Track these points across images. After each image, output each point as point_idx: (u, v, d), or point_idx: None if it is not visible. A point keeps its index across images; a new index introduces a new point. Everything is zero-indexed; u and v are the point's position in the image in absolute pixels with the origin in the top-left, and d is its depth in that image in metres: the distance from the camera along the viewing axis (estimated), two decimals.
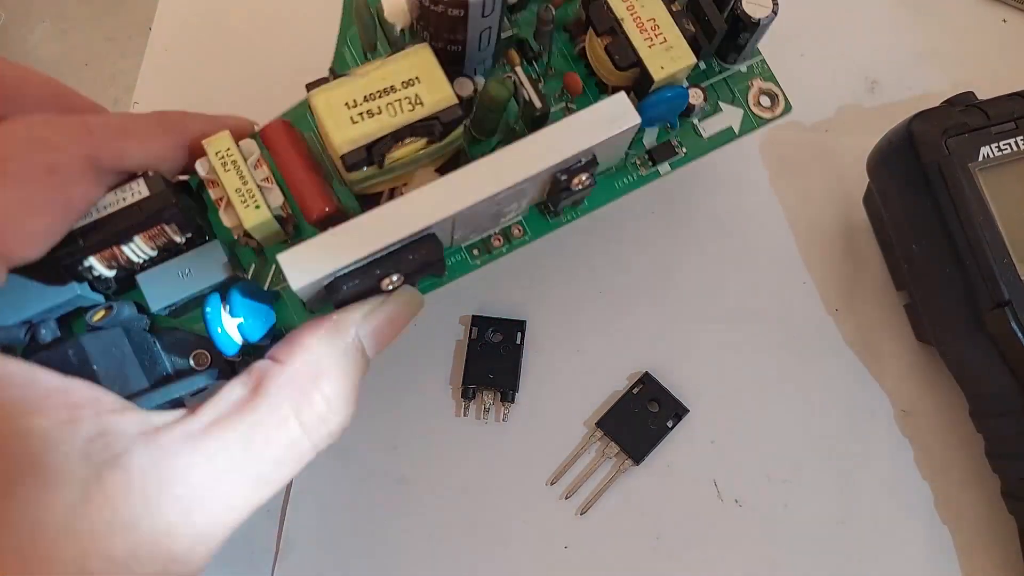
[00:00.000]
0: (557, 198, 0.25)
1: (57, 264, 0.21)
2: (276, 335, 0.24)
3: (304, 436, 0.20)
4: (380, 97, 0.22)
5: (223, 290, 0.22)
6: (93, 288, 0.23)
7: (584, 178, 0.23)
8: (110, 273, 0.22)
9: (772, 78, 0.28)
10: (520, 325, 0.32)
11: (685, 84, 0.26)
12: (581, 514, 0.30)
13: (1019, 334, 0.25)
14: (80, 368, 0.21)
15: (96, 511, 0.17)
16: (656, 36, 0.23)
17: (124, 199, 0.22)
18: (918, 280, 0.29)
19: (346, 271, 0.21)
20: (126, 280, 0.23)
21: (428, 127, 0.22)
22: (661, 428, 0.31)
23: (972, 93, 0.29)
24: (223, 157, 0.22)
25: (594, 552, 0.30)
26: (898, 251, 0.30)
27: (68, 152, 0.20)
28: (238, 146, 0.22)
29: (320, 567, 0.30)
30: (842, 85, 0.35)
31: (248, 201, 0.22)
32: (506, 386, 0.31)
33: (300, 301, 0.24)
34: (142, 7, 0.40)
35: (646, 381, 0.31)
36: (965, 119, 0.27)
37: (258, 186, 0.22)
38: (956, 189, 0.26)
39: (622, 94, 0.22)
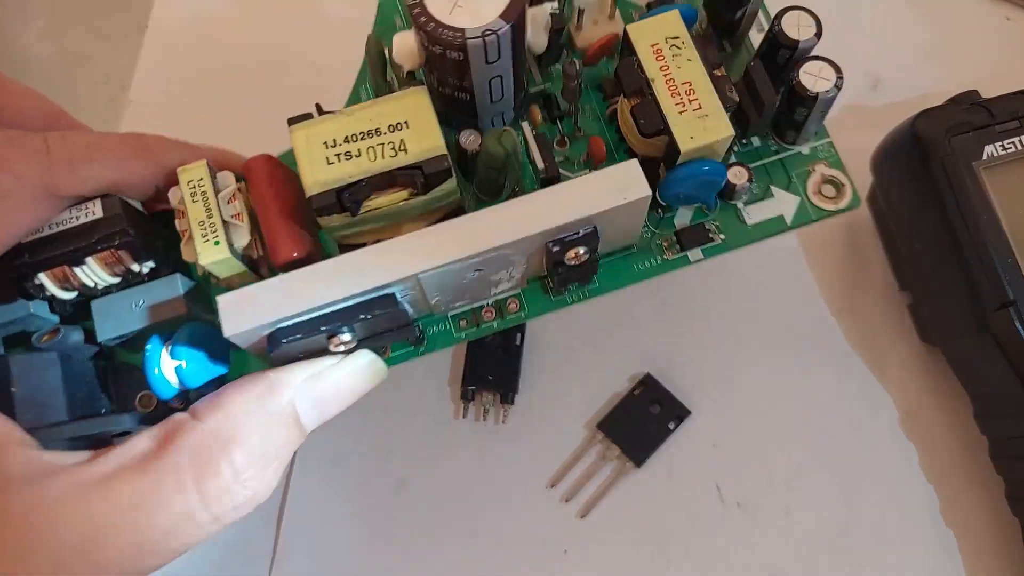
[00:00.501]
0: (556, 273, 0.22)
1: (7, 280, 0.21)
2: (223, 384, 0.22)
3: (202, 507, 0.18)
4: (362, 139, 0.20)
5: (176, 329, 0.21)
6: (52, 310, 0.22)
7: (581, 252, 0.20)
8: (67, 296, 0.21)
9: (839, 164, 0.25)
10: (520, 326, 0.32)
11: (730, 159, 0.23)
12: (582, 517, 0.30)
13: (1023, 335, 0.25)
14: None
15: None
16: (690, 102, 0.20)
17: (77, 218, 0.20)
18: (922, 280, 0.29)
19: (288, 323, 0.19)
20: (83, 306, 0.22)
21: (410, 177, 0.20)
22: (662, 430, 0.30)
23: (976, 92, 0.28)
24: (194, 187, 0.21)
25: (595, 556, 0.30)
26: (902, 251, 0.30)
27: (22, 178, 0.19)
28: (214, 177, 0.21)
29: (317, 571, 0.30)
30: (845, 83, 0.35)
31: (208, 235, 0.20)
32: (506, 388, 0.31)
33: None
34: (137, 6, 0.39)
35: (647, 383, 0.31)
36: (969, 118, 0.27)
37: (224, 221, 0.20)
38: (960, 188, 0.26)
39: (634, 161, 0.20)
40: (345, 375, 0.21)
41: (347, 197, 0.19)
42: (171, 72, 0.35)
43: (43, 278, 0.21)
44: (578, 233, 0.20)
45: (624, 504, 0.30)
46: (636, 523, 0.30)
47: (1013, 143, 0.27)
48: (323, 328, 0.19)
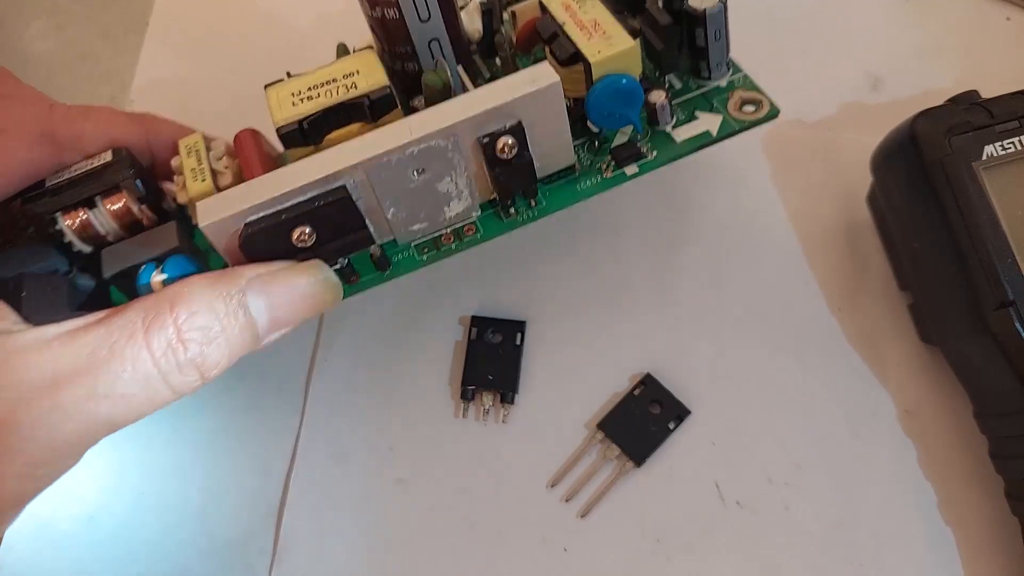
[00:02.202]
0: (496, 177, 0.24)
1: (20, 228, 0.24)
2: None
3: (150, 359, 0.19)
4: (321, 87, 0.24)
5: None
6: (79, 266, 0.25)
7: (510, 143, 0.23)
8: (85, 248, 0.24)
9: (755, 88, 0.27)
10: (520, 326, 0.32)
11: (654, 87, 0.25)
12: (582, 517, 0.30)
13: (1023, 334, 0.25)
14: (11, 292, 0.22)
15: None
16: (596, 30, 0.24)
17: (91, 164, 0.24)
18: (921, 280, 0.29)
19: (255, 216, 0.21)
20: (97, 260, 0.24)
21: (359, 107, 0.23)
22: (662, 430, 0.30)
23: (976, 92, 0.28)
24: (189, 148, 0.24)
25: (595, 555, 0.30)
26: (901, 250, 0.30)
27: (22, 121, 0.22)
28: (208, 143, 0.25)
29: (317, 569, 0.30)
30: (845, 83, 0.35)
31: (198, 177, 0.24)
32: (506, 387, 0.31)
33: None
34: (138, 3, 0.39)
35: (647, 382, 0.31)
36: (969, 118, 0.27)
37: (212, 169, 0.24)
38: (960, 188, 0.26)
39: (545, 62, 0.23)
40: (297, 279, 0.21)
41: (308, 128, 0.23)
42: (172, 70, 0.36)
43: (61, 221, 0.23)
44: (504, 126, 0.23)
45: (624, 503, 0.30)
46: (636, 522, 0.30)
47: (1013, 143, 0.27)
48: (284, 217, 0.21)
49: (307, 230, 0.22)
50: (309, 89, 0.24)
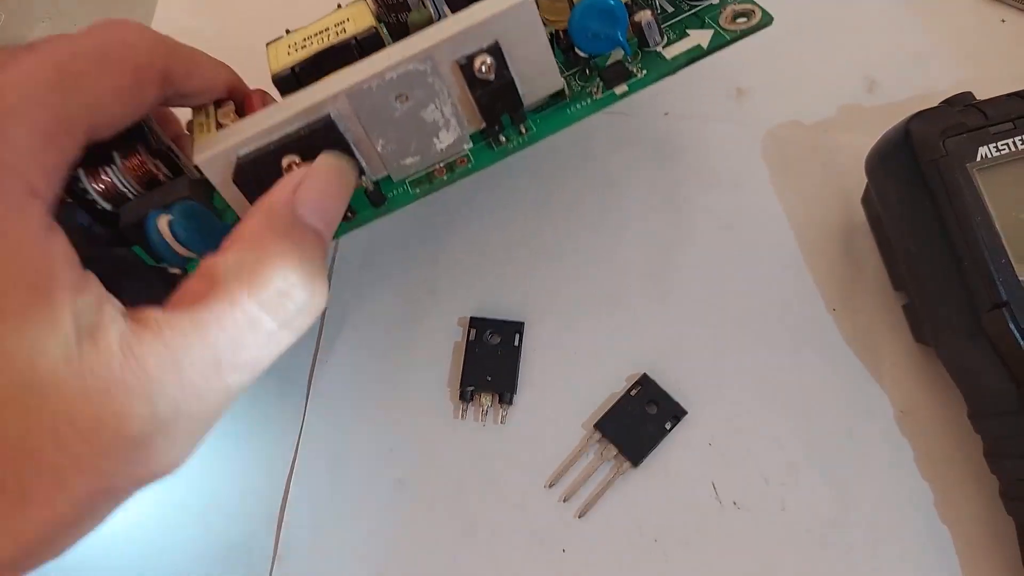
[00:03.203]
0: (479, 100, 0.24)
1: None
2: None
3: (264, 313, 0.19)
4: (314, 36, 0.25)
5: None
6: (100, 222, 0.25)
7: (488, 62, 0.23)
8: (106, 205, 0.24)
9: (749, 0, 0.26)
10: (518, 327, 0.32)
11: (639, 6, 0.25)
12: (579, 516, 0.30)
13: (1017, 335, 0.25)
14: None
15: (73, 371, 0.17)
16: None
17: None
18: (916, 280, 0.29)
19: (247, 151, 0.22)
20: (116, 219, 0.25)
21: (347, 48, 0.24)
22: (659, 430, 0.31)
23: (970, 93, 0.29)
24: (199, 111, 0.25)
25: (592, 555, 0.30)
26: (896, 251, 0.30)
27: (152, 58, 0.22)
28: (217, 103, 0.25)
29: (318, 571, 0.30)
30: (841, 85, 0.35)
31: (203, 129, 0.24)
32: (504, 388, 0.31)
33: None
34: (142, 6, 0.40)
35: (644, 383, 0.31)
36: (963, 119, 0.27)
37: (219, 123, 0.24)
38: (954, 189, 0.26)
39: None
40: (322, 174, 0.22)
41: (300, 73, 0.24)
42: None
43: (84, 179, 0.23)
44: (482, 47, 0.23)
45: (622, 503, 0.30)
46: (634, 522, 0.30)
47: (1007, 144, 0.27)
48: (273, 148, 0.22)
49: (296, 159, 0.22)
50: (304, 40, 0.25)
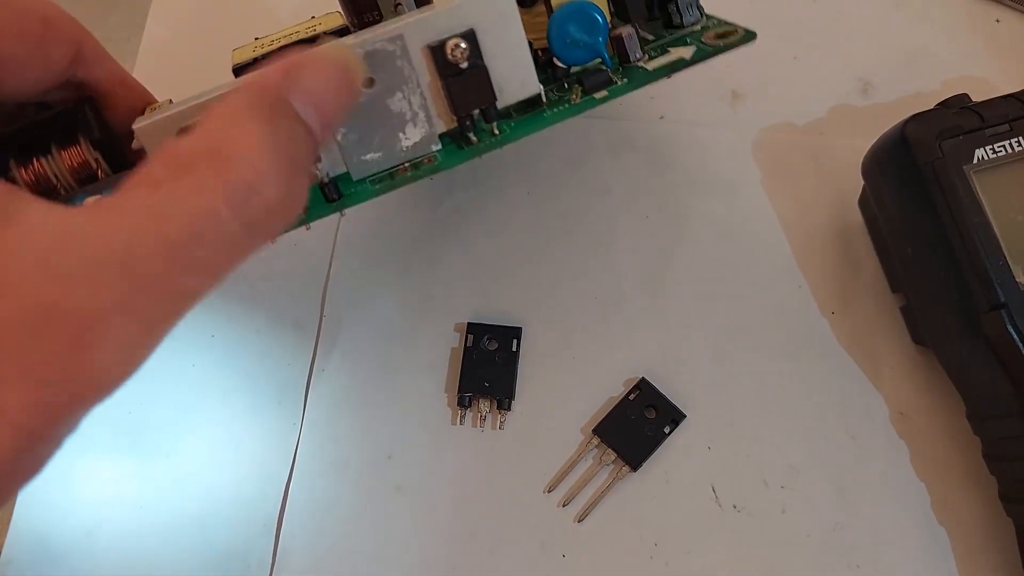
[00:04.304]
0: (449, 86, 0.22)
1: None
2: None
3: (226, 207, 0.16)
4: (283, 38, 0.24)
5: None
6: None
7: (462, 46, 0.21)
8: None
9: (729, 24, 0.26)
10: (516, 332, 0.32)
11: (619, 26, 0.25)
12: (578, 521, 0.30)
13: (1015, 337, 0.25)
14: None
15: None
16: None
17: (49, 112, 0.22)
18: (914, 282, 0.29)
19: (191, 121, 0.20)
20: None
21: (315, 41, 0.22)
22: (658, 434, 0.31)
23: (966, 95, 0.29)
24: (155, 107, 0.24)
25: (592, 559, 0.30)
26: (893, 253, 0.30)
27: (62, 19, 0.22)
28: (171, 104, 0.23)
29: None
30: (836, 87, 0.35)
31: (156, 110, 0.23)
32: (502, 394, 0.31)
33: None
34: (139, 7, 0.39)
35: (643, 387, 0.31)
36: (959, 121, 0.27)
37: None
38: (951, 191, 0.26)
39: None
40: (323, 62, 0.19)
41: (262, 62, 0.22)
42: (167, 73, 0.35)
43: (15, 170, 0.22)
44: (455, 31, 0.22)
45: (621, 507, 0.30)
46: (633, 526, 0.30)
47: (1003, 146, 0.27)
48: None
49: None
50: (271, 42, 0.24)
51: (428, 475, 0.31)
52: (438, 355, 0.32)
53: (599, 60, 0.24)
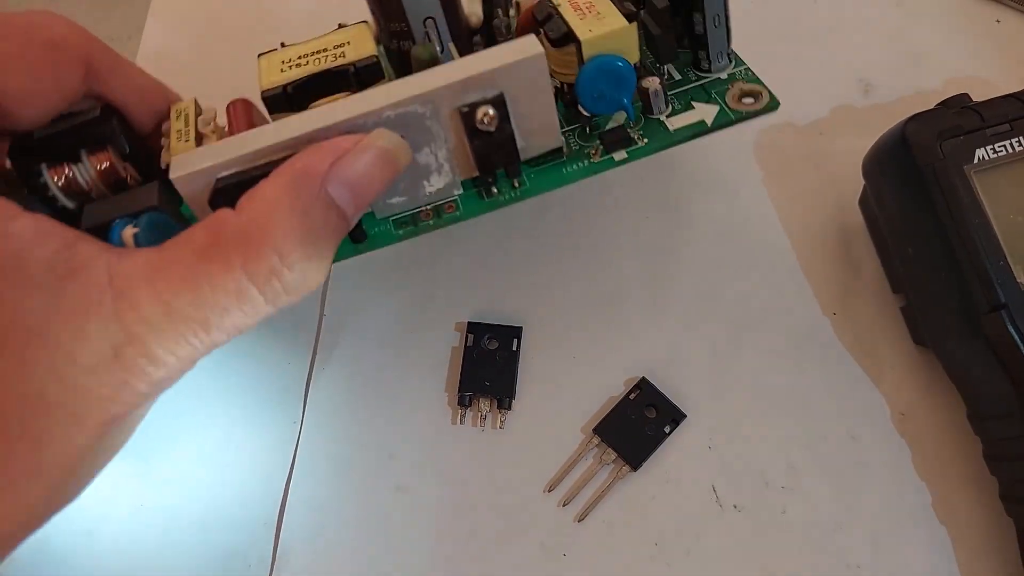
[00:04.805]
0: (476, 149, 0.23)
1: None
2: None
3: (251, 286, 0.19)
4: (311, 55, 0.23)
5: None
6: (60, 218, 0.24)
7: (490, 113, 0.22)
8: (68, 203, 0.24)
9: (757, 81, 0.27)
10: (516, 331, 0.32)
11: (648, 74, 0.25)
12: (579, 521, 0.30)
13: (1015, 337, 0.25)
14: None
15: (61, 320, 0.18)
16: (589, 11, 0.24)
17: (78, 119, 0.23)
18: (914, 283, 0.29)
19: (228, 174, 0.21)
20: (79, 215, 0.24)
21: (344, 75, 0.23)
22: (659, 434, 0.31)
23: (967, 95, 0.29)
24: (180, 112, 0.24)
25: (593, 559, 0.30)
26: (894, 254, 0.30)
27: (68, 40, 0.22)
28: (199, 107, 0.24)
29: None
30: (836, 87, 0.35)
31: (182, 138, 0.23)
32: (502, 393, 0.31)
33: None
34: (139, 7, 0.39)
35: (643, 386, 0.31)
36: (960, 121, 0.27)
37: (198, 132, 0.24)
38: (951, 192, 0.26)
39: (532, 35, 0.22)
40: (369, 155, 0.21)
41: (293, 93, 0.23)
42: (166, 70, 0.35)
43: (46, 174, 0.23)
44: (485, 96, 0.22)
45: (622, 507, 0.30)
46: (634, 526, 0.30)
47: (1004, 146, 0.27)
48: (255, 175, 0.21)
49: None
50: (299, 58, 0.24)
51: (428, 475, 0.31)
52: (438, 354, 0.32)
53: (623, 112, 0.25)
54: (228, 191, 0.21)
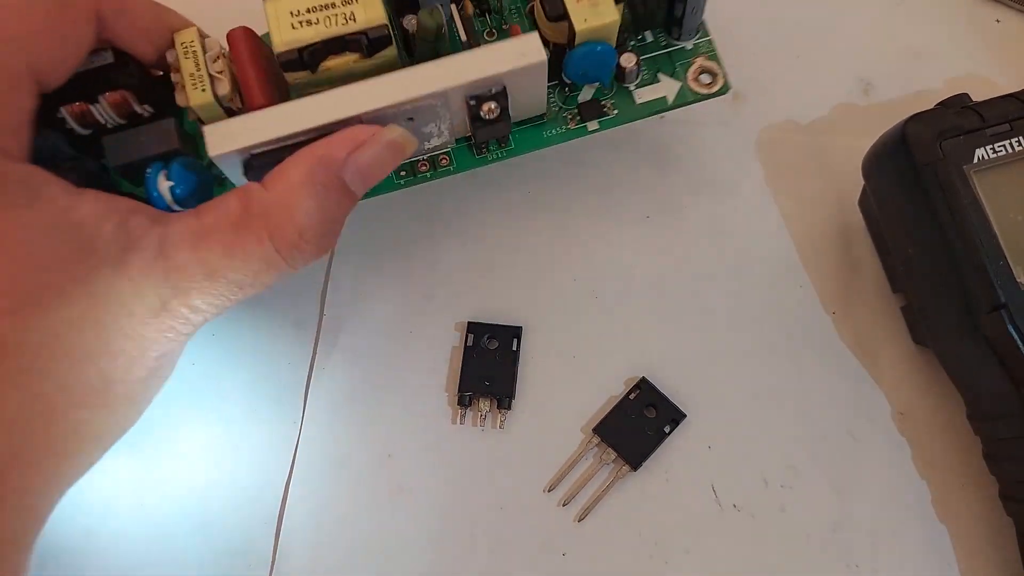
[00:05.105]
0: (476, 128, 0.26)
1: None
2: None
3: (278, 256, 0.23)
4: (320, 10, 0.24)
5: (169, 160, 0.25)
6: (72, 145, 0.26)
7: (493, 107, 0.25)
8: (83, 131, 0.26)
9: (715, 57, 0.29)
10: (516, 331, 0.32)
11: (627, 49, 0.28)
12: (579, 521, 0.30)
13: (1015, 337, 0.25)
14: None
15: (123, 284, 0.21)
16: None
17: (93, 62, 0.25)
18: (914, 283, 0.29)
19: (260, 151, 0.24)
20: (94, 140, 0.26)
21: (357, 41, 0.25)
22: (658, 433, 0.31)
23: (967, 95, 0.29)
24: (186, 48, 0.26)
25: (592, 559, 0.30)
26: (894, 253, 0.30)
27: None
28: (203, 41, 0.26)
29: None
30: (836, 86, 0.35)
31: (197, 84, 0.25)
32: (502, 393, 0.31)
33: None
34: None
35: (643, 386, 0.31)
36: (960, 121, 0.27)
37: (210, 75, 0.25)
38: (951, 192, 0.26)
39: (535, 34, 0.25)
40: (383, 147, 0.24)
41: (307, 57, 0.24)
42: None
43: (64, 112, 0.25)
44: (491, 91, 0.25)
45: (621, 507, 0.30)
46: (633, 526, 0.30)
47: (1004, 146, 0.27)
48: (286, 153, 0.24)
49: None
50: (308, 11, 0.24)
51: (428, 474, 0.31)
52: (438, 354, 0.32)
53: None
54: (260, 162, 0.24)
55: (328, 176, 0.23)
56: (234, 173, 0.25)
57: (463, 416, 0.31)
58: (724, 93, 0.29)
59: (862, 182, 0.31)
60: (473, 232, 0.33)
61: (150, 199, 0.25)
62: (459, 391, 0.31)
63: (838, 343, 0.32)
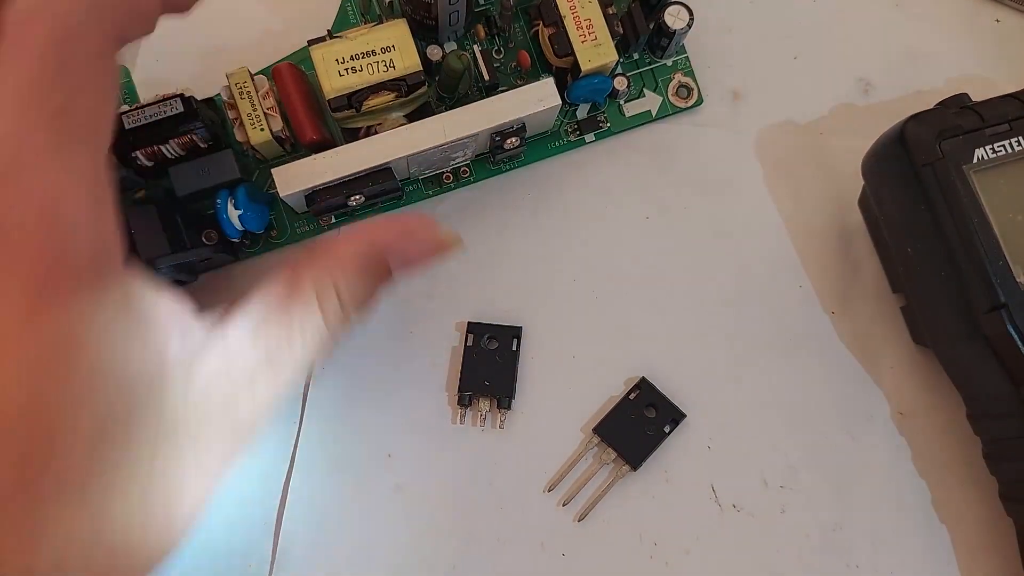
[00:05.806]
0: (495, 153, 0.31)
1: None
2: (269, 227, 0.31)
3: (324, 328, 0.23)
4: (363, 58, 0.28)
5: (231, 188, 0.29)
6: (137, 174, 0.30)
7: (515, 140, 0.29)
8: (149, 164, 0.29)
9: (691, 74, 0.33)
10: (516, 331, 0.32)
11: (619, 73, 0.32)
12: (579, 521, 0.30)
13: (1015, 337, 0.25)
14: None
15: (195, 392, 0.20)
16: (590, 34, 0.29)
17: (164, 112, 0.28)
18: (914, 283, 0.29)
19: (321, 187, 0.28)
20: (159, 169, 0.29)
21: (397, 85, 0.28)
22: (658, 434, 0.31)
23: (966, 95, 0.29)
24: (240, 87, 0.29)
25: (592, 559, 0.30)
26: (894, 253, 0.30)
27: None
28: (253, 80, 0.29)
29: None
30: (836, 86, 0.35)
31: (255, 124, 0.29)
32: (502, 393, 0.31)
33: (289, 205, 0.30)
34: None
35: (643, 386, 0.31)
36: (959, 121, 0.27)
37: (264, 113, 0.29)
38: (950, 192, 0.26)
39: (550, 80, 0.29)
40: (427, 244, 0.25)
41: (354, 99, 0.28)
42: (168, 70, 0.35)
43: (139, 154, 0.28)
44: (512, 127, 0.29)
45: (621, 507, 0.30)
46: (633, 526, 0.30)
47: (1003, 146, 0.27)
48: (344, 191, 0.28)
49: (360, 197, 0.28)
50: (352, 59, 0.28)
51: (428, 474, 0.31)
52: (438, 354, 0.32)
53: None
54: (320, 197, 0.28)
55: (375, 258, 0.24)
56: (297, 203, 0.29)
57: (463, 416, 0.31)
58: (699, 105, 0.33)
59: (862, 182, 0.31)
60: (473, 233, 0.33)
61: (220, 222, 0.29)
62: (459, 391, 0.31)
63: (838, 343, 0.32)
